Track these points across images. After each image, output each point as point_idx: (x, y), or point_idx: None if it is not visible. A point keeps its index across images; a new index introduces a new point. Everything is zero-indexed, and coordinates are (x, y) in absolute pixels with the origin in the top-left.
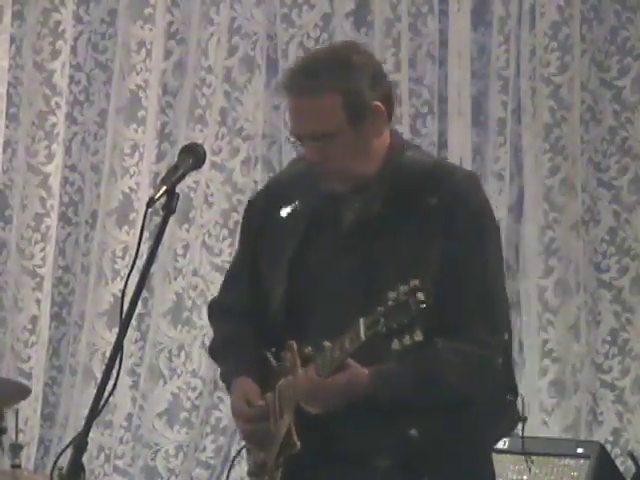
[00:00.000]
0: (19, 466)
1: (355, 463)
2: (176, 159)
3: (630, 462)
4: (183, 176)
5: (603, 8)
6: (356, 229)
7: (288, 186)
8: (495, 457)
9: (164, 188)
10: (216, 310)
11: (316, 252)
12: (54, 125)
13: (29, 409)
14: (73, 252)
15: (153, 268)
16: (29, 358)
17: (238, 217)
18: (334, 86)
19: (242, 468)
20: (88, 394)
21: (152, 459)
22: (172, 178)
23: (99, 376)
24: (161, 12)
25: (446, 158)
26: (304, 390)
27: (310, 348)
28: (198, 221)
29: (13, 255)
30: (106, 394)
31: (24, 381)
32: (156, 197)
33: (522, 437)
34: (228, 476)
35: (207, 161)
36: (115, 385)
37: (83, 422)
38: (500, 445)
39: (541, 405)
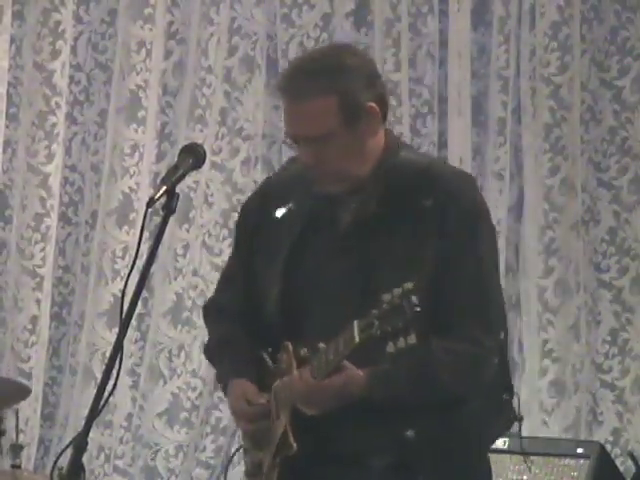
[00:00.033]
0: (19, 466)
1: (351, 463)
2: (176, 159)
3: (630, 462)
4: (183, 176)
5: (603, 8)
6: (353, 230)
7: (284, 186)
8: (495, 457)
9: (164, 188)
10: (211, 310)
11: (312, 253)
12: (54, 125)
13: (29, 409)
14: (73, 252)
15: (153, 268)
16: (29, 358)
17: None
18: (329, 88)
19: (242, 468)
20: (88, 394)
21: (152, 459)
22: (172, 178)
23: (99, 376)
24: (161, 12)
25: (446, 158)
26: (300, 392)
27: (306, 350)
28: (198, 221)
29: (13, 255)
30: (106, 394)
31: (24, 381)
32: (156, 197)
33: (521, 437)
34: (226, 476)
35: (207, 161)
36: (115, 385)
37: (83, 422)
38: (500, 445)
39: (541, 405)
